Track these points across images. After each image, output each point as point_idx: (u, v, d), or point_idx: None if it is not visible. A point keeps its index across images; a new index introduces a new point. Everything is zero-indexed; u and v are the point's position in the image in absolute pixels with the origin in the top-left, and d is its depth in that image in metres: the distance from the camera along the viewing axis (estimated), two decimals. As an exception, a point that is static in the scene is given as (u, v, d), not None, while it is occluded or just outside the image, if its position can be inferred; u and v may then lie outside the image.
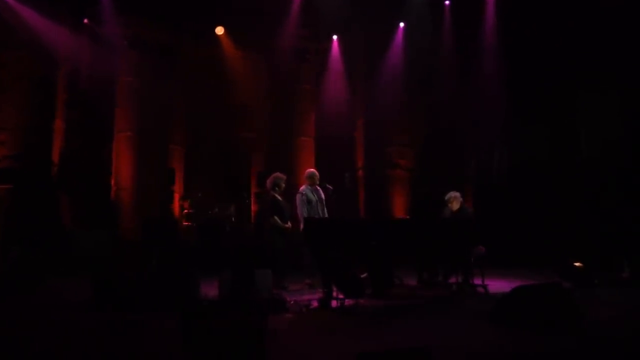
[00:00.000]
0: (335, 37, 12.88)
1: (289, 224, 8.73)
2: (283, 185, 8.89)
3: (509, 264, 10.03)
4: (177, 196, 12.55)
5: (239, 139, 13.29)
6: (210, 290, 7.56)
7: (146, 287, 7.22)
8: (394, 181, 13.01)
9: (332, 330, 6.04)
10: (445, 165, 12.42)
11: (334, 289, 7.19)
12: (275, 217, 8.61)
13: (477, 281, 8.18)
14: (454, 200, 8.75)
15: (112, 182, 12.27)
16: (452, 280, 8.62)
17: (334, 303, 7.12)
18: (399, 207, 12.79)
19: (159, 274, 7.53)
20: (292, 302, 7.05)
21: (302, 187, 8.95)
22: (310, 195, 8.76)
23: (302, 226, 8.18)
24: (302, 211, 8.65)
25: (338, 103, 12.83)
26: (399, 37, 12.57)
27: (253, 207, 12.88)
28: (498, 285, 8.47)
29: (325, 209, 8.88)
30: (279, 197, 8.81)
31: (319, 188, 8.89)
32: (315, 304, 7.14)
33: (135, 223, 11.78)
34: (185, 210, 12.32)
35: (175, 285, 7.24)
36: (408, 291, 8.37)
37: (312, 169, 9.15)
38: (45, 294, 8.21)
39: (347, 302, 7.13)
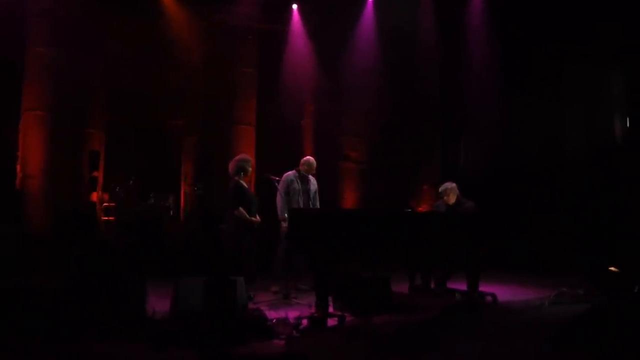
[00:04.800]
0: (294, 14, 10.81)
1: (257, 218, 6.57)
2: (249, 169, 6.75)
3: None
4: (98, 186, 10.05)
5: (169, 124, 10.91)
6: (155, 303, 5.30)
7: (68, 300, 5.13)
8: (344, 175, 11.13)
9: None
10: (403, 159, 10.60)
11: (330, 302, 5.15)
12: (241, 209, 6.38)
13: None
14: (450, 192, 6.96)
15: (18, 168, 9.75)
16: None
17: (329, 321, 5.06)
18: (350, 204, 10.92)
19: (84, 282, 5.34)
20: (274, 321, 4.89)
21: (289, 173, 7.16)
22: (295, 183, 7.03)
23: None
24: (278, 200, 6.94)
25: (288, 88, 10.74)
26: (368, 12, 10.51)
27: (183, 201, 10.57)
28: (500, 293, 6.69)
29: (317, 201, 7.21)
30: (245, 184, 6.64)
31: (311, 178, 7.26)
32: (304, 322, 5.01)
33: (46, 217, 9.46)
34: (105, 204, 9.93)
35: (112, 297, 5.01)
36: (401, 300, 6.37)
37: (309, 157, 7.57)
38: None
39: (348, 319, 5.11)
